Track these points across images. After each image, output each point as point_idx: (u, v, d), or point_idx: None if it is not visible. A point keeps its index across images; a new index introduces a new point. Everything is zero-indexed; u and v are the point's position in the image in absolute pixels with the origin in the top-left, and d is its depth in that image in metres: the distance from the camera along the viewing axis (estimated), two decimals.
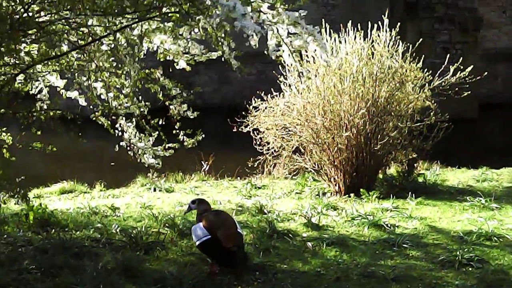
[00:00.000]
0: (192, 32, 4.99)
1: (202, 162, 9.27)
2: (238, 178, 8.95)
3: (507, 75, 17.96)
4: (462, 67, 7.08)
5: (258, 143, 7.59)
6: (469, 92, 7.30)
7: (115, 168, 11.11)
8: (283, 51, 4.49)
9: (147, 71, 5.34)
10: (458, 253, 4.34)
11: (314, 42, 4.39)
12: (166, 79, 5.40)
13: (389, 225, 5.25)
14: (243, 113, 7.58)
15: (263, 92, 7.55)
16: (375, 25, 7.25)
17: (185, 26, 5.03)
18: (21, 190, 4.65)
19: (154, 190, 7.90)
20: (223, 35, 4.62)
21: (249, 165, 8.05)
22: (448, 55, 8.08)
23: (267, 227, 5.10)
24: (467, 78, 7.12)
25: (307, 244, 4.76)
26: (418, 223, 5.40)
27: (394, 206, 6.01)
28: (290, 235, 4.99)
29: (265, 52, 4.55)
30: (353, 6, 17.25)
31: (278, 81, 7.46)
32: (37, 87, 5.61)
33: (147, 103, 5.36)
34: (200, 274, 4.09)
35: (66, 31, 4.89)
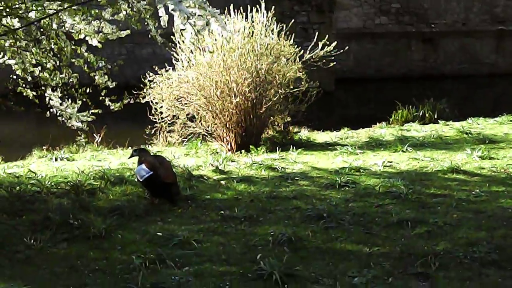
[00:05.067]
0: (116, 15, 5.96)
1: (94, 135, 10.04)
2: (130, 147, 9.78)
3: (357, 52, 20.07)
4: (327, 43, 8.56)
5: (153, 113, 8.62)
6: (334, 63, 8.77)
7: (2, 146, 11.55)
8: (187, 30, 5.58)
9: (73, 46, 6.23)
10: (337, 179, 5.75)
11: (215, 22, 5.49)
12: (90, 54, 6.32)
13: (280, 167, 6.57)
14: (141, 86, 8.58)
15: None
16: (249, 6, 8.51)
17: (109, 9, 5.99)
18: None
19: (56, 160, 8.53)
20: (148, 16, 5.66)
21: (146, 133, 9.07)
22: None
23: (184, 173, 6.23)
24: (332, 53, 8.63)
25: (221, 183, 5.96)
26: (302, 165, 6.78)
27: (281, 156, 7.34)
28: (204, 178, 6.16)
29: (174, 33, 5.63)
30: None
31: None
32: None
33: (75, 74, 6.27)
34: (145, 204, 5.16)
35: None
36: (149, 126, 8.96)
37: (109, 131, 10.12)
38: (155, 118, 8.67)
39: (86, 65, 6.35)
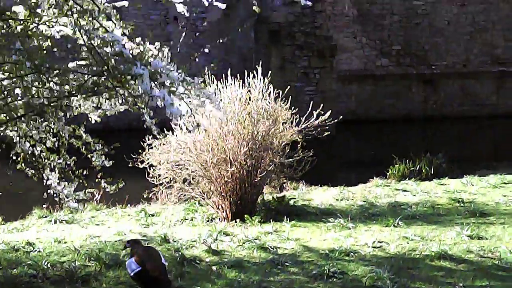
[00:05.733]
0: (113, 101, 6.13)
1: (94, 193, 10.16)
2: (129, 205, 9.93)
3: (358, 94, 20.29)
4: (322, 112, 8.75)
5: (150, 175, 8.79)
6: (329, 133, 8.94)
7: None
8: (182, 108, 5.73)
9: (71, 127, 6.40)
10: (325, 268, 5.87)
11: (210, 103, 5.64)
12: (88, 135, 6.49)
13: (272, 247, 6.70)
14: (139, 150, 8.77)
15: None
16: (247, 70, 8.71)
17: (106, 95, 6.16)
18: None
19: (55, 222, 8.68)
20: (143, 106, 5.82)
21: (144, 196, 9.28)
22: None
23: (177, 255, 6.36)
24: (326, 121, 8.82)
25: (212, 268, 6.09)
26: (294, 243, 6.90)
27: (274, 230, 7.47)
28: (196, 261, 6.29)
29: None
30: (219, 33, 18.52)
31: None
32: None
33: (73, 157, 6.44)
34: None
35: None
36: (146, 191, 9.15)
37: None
38: (153, 180, 8.84)
39: (84, 147, 6.52)
